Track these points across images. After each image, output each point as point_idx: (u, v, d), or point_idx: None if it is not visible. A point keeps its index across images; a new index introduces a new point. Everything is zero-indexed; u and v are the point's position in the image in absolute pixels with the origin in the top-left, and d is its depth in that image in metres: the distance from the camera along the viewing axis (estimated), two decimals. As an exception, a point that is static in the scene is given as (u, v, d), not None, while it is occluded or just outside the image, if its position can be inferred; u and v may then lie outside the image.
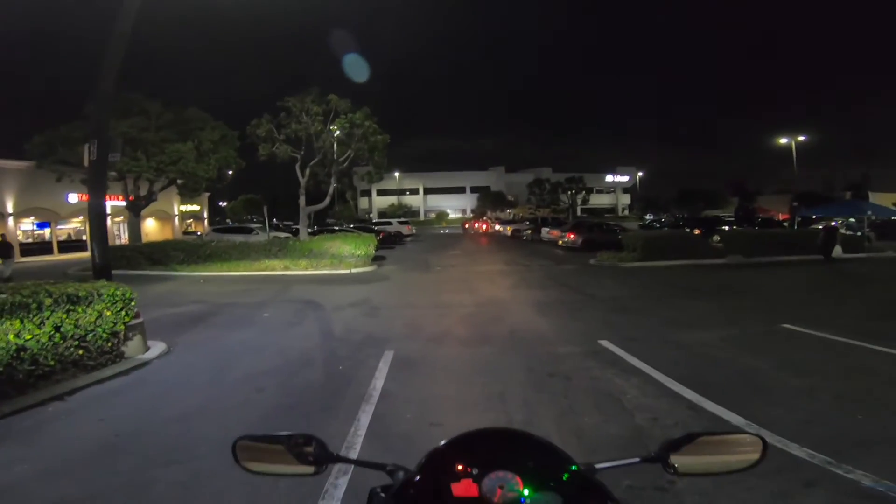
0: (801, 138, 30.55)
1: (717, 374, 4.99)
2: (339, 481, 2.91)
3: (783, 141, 31.09)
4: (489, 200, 61.27)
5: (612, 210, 72.41)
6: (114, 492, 2.95)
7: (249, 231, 26.51)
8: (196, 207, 42.20)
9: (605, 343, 6.19)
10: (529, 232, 30.18)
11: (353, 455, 3.28)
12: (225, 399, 4.59)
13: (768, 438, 3.37)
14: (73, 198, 28.36)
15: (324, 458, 1.03)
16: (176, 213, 38.10)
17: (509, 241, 29.76)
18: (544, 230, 27.49)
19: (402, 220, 39.90)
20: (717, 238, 19.11)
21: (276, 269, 15.01)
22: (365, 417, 3.98)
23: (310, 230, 23.39)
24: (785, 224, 29.17)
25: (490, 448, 0.95)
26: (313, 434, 1.05)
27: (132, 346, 5.68)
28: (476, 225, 47.81)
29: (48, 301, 4.73)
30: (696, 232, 21.05)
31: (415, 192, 69.30)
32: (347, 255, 15.55)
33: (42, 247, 28.37)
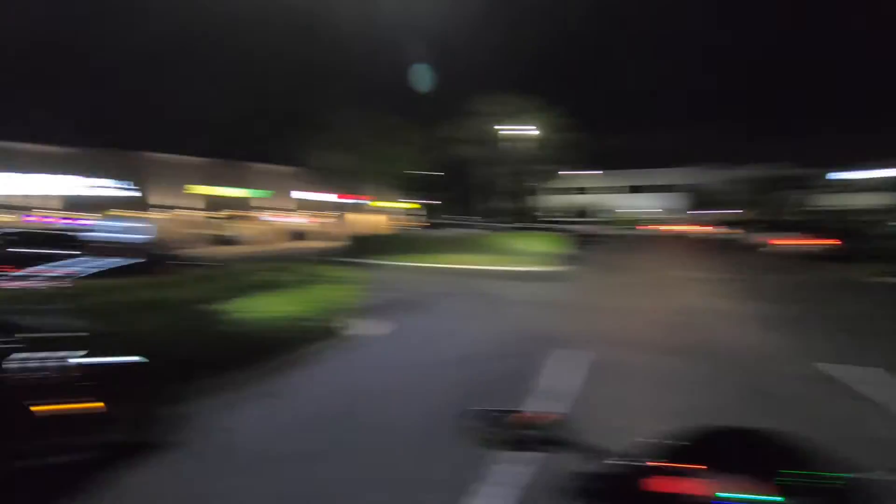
0: None
1: None
2: (529, 469, 2.98)
3: None
4: (696, 200, 54.13)
5: (857, 212, 56.07)
6: (336, 450, 3.47)
7: (442, 226, 28.79)
8: (398, 204, 47.75)
9: (826, 367, 5.10)
10: (748, 236, 25.61)
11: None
12: (418, 380, 5.04)
13: None
14: (314, 195, 35.20)
15: (534, 437, 1.02)
16: (384, 209, 43.76)
17: (722, 246, 25.77)
18: (766, 234, 22.94)
19: (592, 219, 38.17)
20: None
21: (467, 263, 15.94)
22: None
23: (498, 228, 24.21)
24: None
25: (735, 447, 0.82)
26: (546, 412, 1.05)
27: (355, 325, 6.66)
28: (680, 227, 42.84)
29: (308, 280, 5.86)
30: None
31: (607, 190, 65.56)
32: (536, 253, 15.59)
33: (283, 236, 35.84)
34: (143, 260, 8.30)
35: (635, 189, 64.39)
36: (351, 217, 27.69)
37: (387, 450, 3.47)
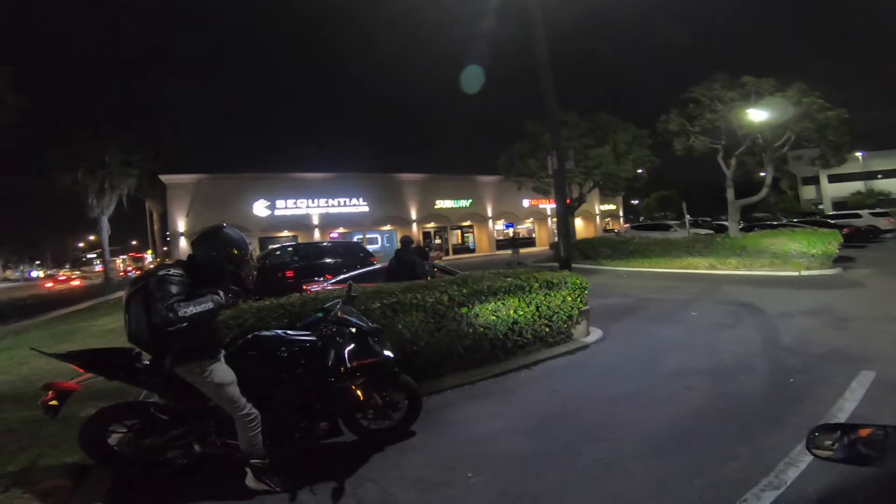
0: None
1: None
2: (764, 494, 2.61)
3: None
4: None
5: None
6: (552, 455, 3.37)
7: (667, 228, 26.07)
8: (612, 206, 45.32)
9: None
10: None
11: (793, 473, 2.78)
12: (653, 389, 4.59)
13: None
14: (526, 202, 36.40)
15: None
16: (597, 212, 42.09)
17: None
18: None
19: (879, 210, 29.17)
20: None
21: (699, 267, 14.05)
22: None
23: (739, 226, 20.66)
24: None
25: None
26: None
27: (579, 330, 6.49)
28: None
29: (535, 285, 5.99)
30: None
31: (892, 174, 49.15)
32: (795, 253, 12.68)
33: (508, 243, 37.86)
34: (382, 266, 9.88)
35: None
36: (566, 221, 27.59)
37: (607, 458, 3.25)
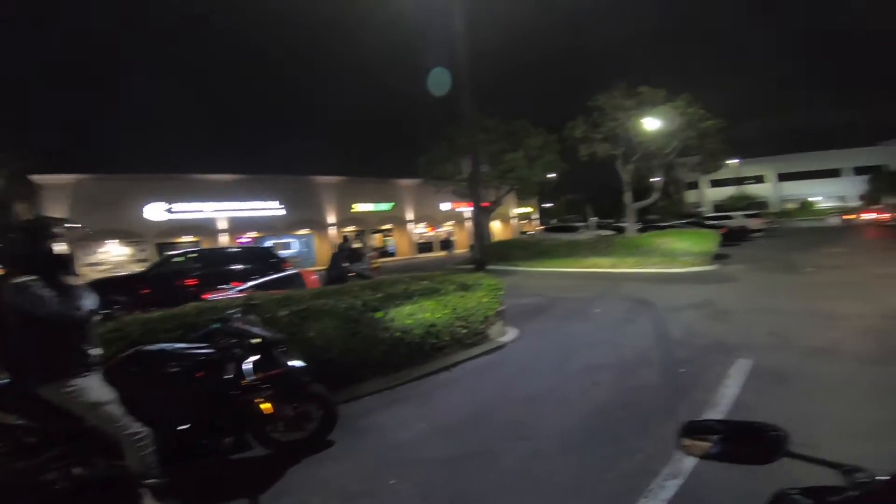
0: None
1: None
2: (667, 483, 2.78)
3: None
4: (884, 183, 44.26)
5: None
6: (475, 456, 3.43)
7: (575, 229, 27.72)
8: (527, 210, 47.45)
9: None
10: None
11: (690, 464, 2.94)
12: (565, 387, 4.82)
13: None
14: (446, 206, 36.95)
15: (775, 450, 1.00)
16: (512, 215, 43.79)
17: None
18: None
19: (749, 212, 33.41)
20: None
21: (602, 266, 15.12)
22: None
23: (636, 227, 22.53)
24: None
25: None
26: (771, 423, 1.00)
27: (495, 330, 6.67)
28: (866, 215, 35.50)
29: (451, 287, 6.05)
30: None
31: (762, 179, 57.03)
32: (682, 252, 14.10)
33: (429, 246, 38.26)
34: (298, 271, 9.67)
35: (797, 175, 54.98)
36: (483, 224, 28.37)
37: (528, 456, 3.36)
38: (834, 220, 38.61)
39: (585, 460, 3.22)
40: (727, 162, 46.79)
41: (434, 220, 38.65)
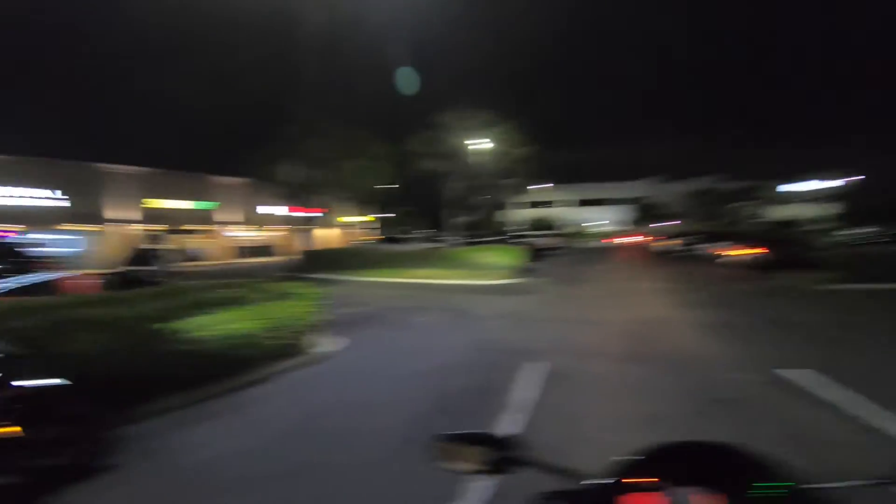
0: None
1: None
2: (476, 484, 2.99)
3: None
4: (645, 213, 56.76)
5: (799, 223, 60.93)
6: (297, 470, 3.36)
7: (407, 241, 28.74)
8: (362, 219, 47.48)
9: (783, 372, 5.26)
10: (694, 246, 27.03)
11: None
12: (388, 394, 5.00)
13: None
14: (273, 209, 34.40)
15: (511, 458, 1.04)
16: (347, 224, 43.30)
17: (669, 257, 27.05)
18: (711, 245, 24.31)
19: (551, 232, 39.19)
20: None
21: (429, 277, 16.00)
22: (516, 426, 3.98)
23: (460, 241, 24.41)
24: None
25: (691, 461, 0.86)
26: (510, 434, 1.06)
27: (318, 340, 6.54)
28: (630, 238, 44.69)
29: (260, 297, 5.71)
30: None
31: (564, 204, 67.68)
32: (496, 266, 15.83)
33: (251, 251, 35.06)
34: (67, 274, 8.08)
35: (590, 202, 66.85)
36: (311, 231, 27.17)
37: (351, 468, 3.40)
38: (609, 242, 47.77)
39: (408, 468, 3.33)
40: (542, 185, 54.37)
41: (259, 224, 35.78)
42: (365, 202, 28.44)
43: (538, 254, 26.83)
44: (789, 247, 18.67)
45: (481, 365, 5.99)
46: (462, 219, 23.82)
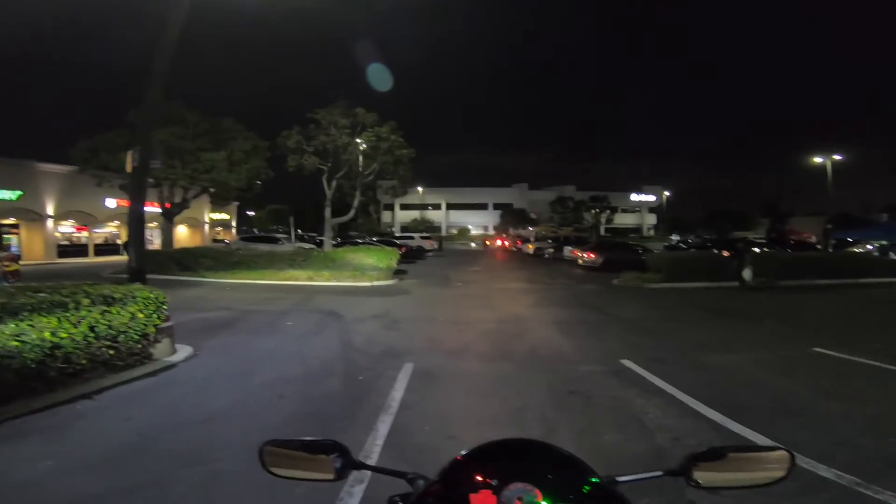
0: (837, 157, 29.57)
1: (744, 396, 4.85)
2: (354, 489, 2.92)
3: (818, 160, 30.18)
4: (511, 217, 61.26)
5: (638, 230, 71.43)
6: (136, 489, 3.01)
7: (275, 241, 27.03)
8: (225, 216, 43.47)
9: (627, 363, 6.06)
10: (552, 250, 29.98)
11: (371, 463, 3.25)
12: (247, 403, 4.67)
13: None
14: (111, 203, 29.53)
15: (346, 464, 1.03)
16: (206, 220, 39.19)
17: (531, 259, 29.60)
18: (566, 249, 27.26)
19: (425, 234, 40.14)
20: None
21: (299, 278, 15.28)
22: (384, 427, 3.98)
23: (334, 242, 23.72)
24: (819, 247, 28.20)
25: (510, 459, 0.94)
26: (337, 440, 1.05)
27: (161, 349, 5.83)
28: (498, 242, 47.79)
29: (86, 301, 4.92)
30: (725, 254, 20.52)
31: (437, 207, 69.79)
32: (370, 267, 15.71)
33: (79, 249, 29.60)
34: None
35: (463, 206, 69.94)
36: (167, 229, 24.03)
37: (213, 480, 3.10)
38: (480, 244, 50.58)
39: (271, 477, 3.11)
40: (417, 189, 55.26)
41: (92, 219, 30.46)
42: (230, 198, 26.05)
43: (413, 255, 27.32)
44: (624, 251, 21.79)
45: (350, 368, 5.90)
46: (338, 219, 23.18)
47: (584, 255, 22.59)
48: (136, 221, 7.15)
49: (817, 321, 9.54)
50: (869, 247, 25.46)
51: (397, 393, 4.88)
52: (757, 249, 22.40)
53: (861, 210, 45.45)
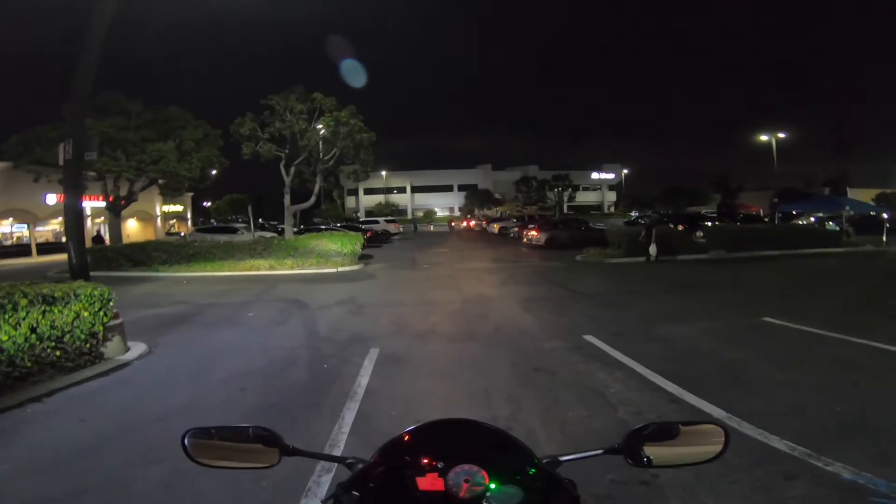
0: (781, 135, 31.13)
1: (699, 368, 5.06)
2: (322, 479, 2.88)
3: (764, 138, 31.66)
4: (476, 198, 61.42)
5: (599, 207, 73.04)
6: (93, 490, 2.90)
7: (234, 231, 26.16)
8: (179, 208, 41.61)
9: (589, 338, 6.22)
10: (516, 230, 30.33)
11: (338, 452, 3.24)
12: (207, 399, 4.54)
13: (748, 431, 3.40)
14: (52, 199, 27.65)
15: (280, 451, 0.97)
16: (158, 213, 37.43)
17: (496, 239, 29.85)
18: (529, 227, 27.66)
19: (389, 218, 39.78)
20: (700, 234, 19.44)
21: (261, 268, 14.86)
22: (349, 415, 3.95)
23: (295, 229, 23.14)
24: (766, 220, 29.72)
25: (455, 440, 0.93)
26: (268, 427, 0.99)
27: (111, 347, 5.58)
28: (463, 223, 47.92)
29: (23, 301, 4.62)
30: (680, 228, 21.35)
31: (402, 190, 69.09)
32: (333, 253, 15.44)
33: (21, 249, 27.71)
34: None
35: (428, 189, 69.52)
36: (111, 224, 22.75)
37: (173, 477, 3.00)
38: (445, 226, 50.56)
39: (235, 472, 3.04)
40: (381, 173, 54.36)
41: (32, 217, 28.48)
42: (182, 189, 24.83)
43: (379, 239, 27.07)
44: (567, 228, 22.49)
45: (314, 356, 5.81)
46: (298, 206, 22.56)
47: (529, 234, 22.98)
48: (72, 216, 6.73)
49: (766, 291, 10.05)
50: (812, 219, 27.07)
51: (363, 379, 4.84)
52: (708, 223, 23.44)
53: (804, 184, 47.92)
